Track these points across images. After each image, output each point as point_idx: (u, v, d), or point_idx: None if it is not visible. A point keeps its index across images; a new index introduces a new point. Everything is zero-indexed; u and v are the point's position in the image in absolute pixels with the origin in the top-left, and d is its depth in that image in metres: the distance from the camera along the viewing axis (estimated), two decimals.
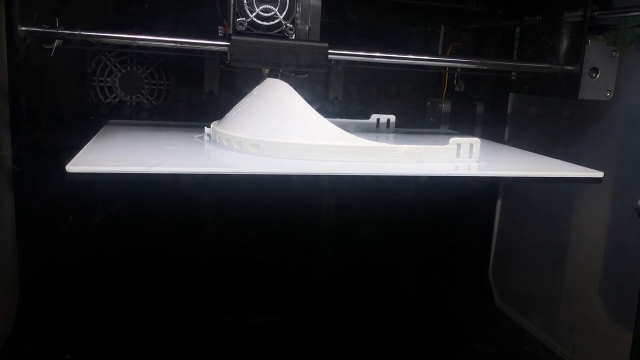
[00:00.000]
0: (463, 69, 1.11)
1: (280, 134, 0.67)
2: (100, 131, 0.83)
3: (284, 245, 1.01)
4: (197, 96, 1.11)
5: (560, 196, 1.03)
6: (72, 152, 1.02)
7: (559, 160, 0.82)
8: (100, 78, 1.03)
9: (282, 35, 0.76)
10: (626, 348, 0.88)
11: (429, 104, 1.20)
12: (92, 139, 0.76)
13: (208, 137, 0.76)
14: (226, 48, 0.75)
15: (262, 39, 0.75)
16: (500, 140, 1.20)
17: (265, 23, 0.76)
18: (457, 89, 1.17)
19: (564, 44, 0.90)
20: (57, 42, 0.77)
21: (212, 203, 0.98)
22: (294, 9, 0.76)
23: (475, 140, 0.70)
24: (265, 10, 0.75)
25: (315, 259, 1.01)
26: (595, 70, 0.87)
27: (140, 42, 0.76)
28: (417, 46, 1.16)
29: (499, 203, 1.22)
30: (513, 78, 1.01)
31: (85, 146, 0.69)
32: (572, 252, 1.02)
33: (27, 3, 0.76)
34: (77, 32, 0.76)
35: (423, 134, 1.04)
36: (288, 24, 0.76)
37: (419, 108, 1.22)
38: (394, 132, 0.98)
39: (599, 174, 0.71)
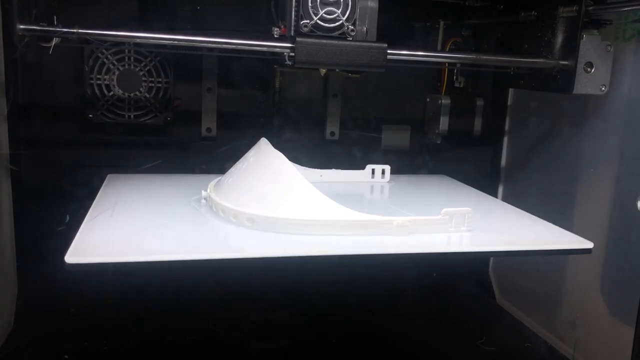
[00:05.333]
0: (462, 64, 1.10)
1: (275, 208, 0.69)
2: (99, 194, 0.84)
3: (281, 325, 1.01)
4: (196, 93, 1.11)
5: (561, 193, 1.03)
6: (70, 150, 1.06)
7: (550, 224, 0.82)
8: (98, 76, 1.02)
9: (343, 36, 0.80)
10: (628, 344, 0.89)
11: (428, 99, 1.20)
12: (90, 209, 0.76)
13: (204, 201, 0.79)
14: (288, 49, 0.78)
15: (325, 41, 0.78)
16: (499, 135, 1.20)
17: (327, 25, 0.79)
18: (456, 84, 1.16)
19: (559, 39, 0.90)
20: (55, 40, 0.77)
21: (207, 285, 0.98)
22: (354, 11, 0.79)
23: (467, 210, 0.71)
24: (329, 13, 0.78)
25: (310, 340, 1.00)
26: (590, 64, 0.88)
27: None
28: (416, 42, 1.15)
29: (499, 194, 1.22)
30: (511, 73, 1.01)
31: (83, 223, 0.70)
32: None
33: (25, 2, 0.76)
34: (74, 30, 0.76)
35: (418, 184, 1.05)
36: (350, 26, 0.80)
37: (419, 104, 1.22)
38: (389, 181, 1.00)
39: (589, 245, 0.73)
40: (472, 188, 1.00)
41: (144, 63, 1.04)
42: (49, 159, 1.06)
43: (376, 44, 0.80)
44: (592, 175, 0.97)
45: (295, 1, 0.78)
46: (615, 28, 0.89)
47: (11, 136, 0.97)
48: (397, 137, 1.22)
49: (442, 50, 1.12)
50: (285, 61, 0.80)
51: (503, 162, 1.20)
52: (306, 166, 1.19)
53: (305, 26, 0.78)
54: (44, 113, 1.04)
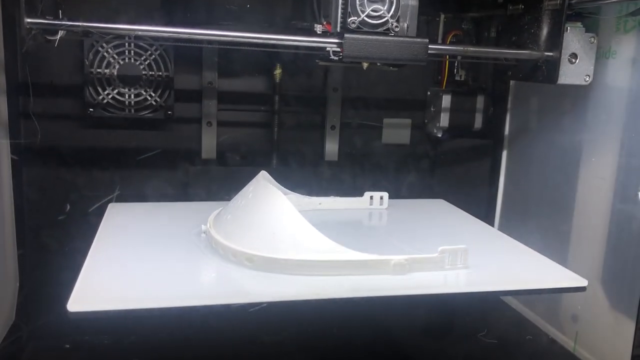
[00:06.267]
0: (452, 56, 1.12)
1: (273, 249, 0.70)
2: (100, 228, 0.84)
3: None
4: (196, 85, 1.11)
5: (562, 185, 1.03)
6: (70, 142, 1.06)
7: (545, 258, 0.82)
8: (98, 70, 1.02)
9: (387, 32, 0.84)
10: (629, 336, 0.89)
11: (429, 93, 1.20)
12: (92, 248, 0.76)
13: (204, 235, 0.80)
14: (335, 45, 0.82)
15: (371, 36, 0.83)
16: (500, 128, 1.19)
17: (373, 22, 0.83)
18: (457, 77, 1.16)
19: (544, 31, 0.93)
20: (60, 34, 0.79)
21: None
22: (398, 8, 0.84)
23: (463, 248, 0.72)
24: (375, 10, 0.82)
25: None
26: (574, 55, 0.90)
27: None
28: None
29: (499, 196, 1.22)
30: (505, 64, 1.03)
31: (84, 266, 0.70)
32: (574, 241, 1.01)
33: None
34: (79, 24, 0.77)
35: (415, 211, 1.04)
36: (394, 22, 0.84)
37: (420, 97, 1.22)
38: (387, 207, 1.01)
39: (583, 283, 0.73)
40: (469, 215, 1.01)
41: (144, 57, 1.04)
42: (49, 151, 1.06)
43: (418, 40, 0.85)
44: (593, 166, 0.97)
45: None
46: (617, 20, 0.90)
47: (11, 127, 0.98)
48: (397, 130, 1.22)
49: (443, 43, 1.12)
50: (330, 56, 0.84)
51: (504, 155, 1.20)
52: (307, 156, 1.19)
53: (353, 23, 0.82)
54: (44, 106, 1.04)
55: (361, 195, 1.01)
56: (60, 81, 1.05)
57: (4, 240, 0.97)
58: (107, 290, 0.63)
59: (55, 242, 1.08)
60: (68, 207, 1.07)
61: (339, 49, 0.82)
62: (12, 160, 0.98)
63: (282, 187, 0.91)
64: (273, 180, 0.89)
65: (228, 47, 0.95)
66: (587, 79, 0.92)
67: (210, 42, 0.95)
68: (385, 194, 1.01)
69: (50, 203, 1.07)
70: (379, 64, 0.87)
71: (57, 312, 1.01)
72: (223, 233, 0.75)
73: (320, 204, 0.98)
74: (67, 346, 0.92)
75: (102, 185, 1.10)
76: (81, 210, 1.09)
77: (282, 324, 0.95)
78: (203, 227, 0.81)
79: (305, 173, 1.16)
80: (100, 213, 1.06)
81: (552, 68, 0.91)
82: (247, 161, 1.16)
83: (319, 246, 0.70)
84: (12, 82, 0.97)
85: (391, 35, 0.84)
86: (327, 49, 0.83)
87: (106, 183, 1.10)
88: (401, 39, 0.84)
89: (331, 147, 1.19)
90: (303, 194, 0.97)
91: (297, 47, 0.88)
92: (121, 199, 1.10)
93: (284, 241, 0.71)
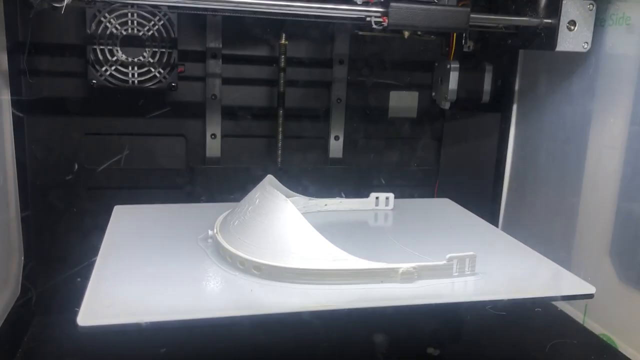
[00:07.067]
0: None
1: (281, 257, 0.70)
2: (106, 233, 0.84)
3: None
4: (200, 57, 1.09)
5: (571, 155, 1.02)
6: (73, 115, 1.04)
7: (552, 262, 0.81)
8: (101, 40, 1.00)
9: (430, 0, 0.89)
10: (637, 309, 0.88)
11: (436, 64, 1.18)
12: (99, 256, 0.76)
13: (211, 241, 0.80)
14: (379, 14, 0.85)
15: (416, 5, 0.86)
16: (509, 100, 1.18)
17: None
18: (465, 49, 1.14)
19: None
20: (67, 0, 0.79)
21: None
22: None
23: (472, 255, 0.72)
24: None
25: None
26: (573, 23, 0.92)
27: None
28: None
29: (507, 169, 1.21)
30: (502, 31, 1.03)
31: (92, 275, 0.70)
32: (582, 213, 1.00)
33: None
34: None
35: (421, 211, 1.05)
36: None
37: (427, 69, 1.20)
38: (392, 209, 1.02)
39: (591, 290, 0.73)
40: (474, 215, 1.01)
41: (147, 27, 1.02)
42: (52, 124, 1.05)
43: (461, 8, 0.90)
44: (602, 139, 0.96)
45: None
46: None
47: (14, 100, 0.96)
48: (404, 103, 1.20)
49: None
50: (372, 25, 0.86)
51: (512, 128, 1.19)
52: (311, 132, 1.17)
53: None
54: (46, 77, 1.03)
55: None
56: (62, 52, 1.03)
57: (8, 214, 0.95)
58: (116, 303, 0.63)
59: (60, 216, 1.07)
60: (76, 166, 1.06)
61: (381, 19, 0.84)
62: (16, 116, 0.96)
63: (288, 190, 0.91)
64: (279, 184, 0.89)
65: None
66: (586, 45, 0.94)
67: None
68: (391, 195, 1.02)
69: (56, 163, 1.05)
70: (419, 33, 0.91)
71: (64, 278, 1.02)
72: (230, 239, 0.76)
73: (325, 205, 0.99)
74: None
75: (110, 146, 1.09)
76: (89, 171, 1.08)
77: (289, 333, 0.95)
78: (210, 232, 0.81)
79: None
80: (108, 175, 1.07)
81: (550, 35, 0.93)
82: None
83: (327, 254, 0.70)
84: (13, 40, 0.95)
85: (437, 4, 0.87)
86: (368, 18, 0.85)
87: (114, 143, 1.09)
88: (445, 7, 0.88)
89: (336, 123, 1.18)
90: (308, 189, 0.98)
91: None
92: (129, 160, 1.10)
93: (291, 249, 0.71)
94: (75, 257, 1.01)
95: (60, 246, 1.06)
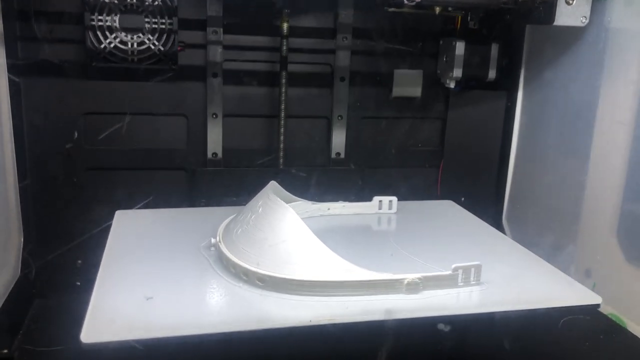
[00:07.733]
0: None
1: (285, 268, 0.70)
2: (107, 242, 0.83)
3: None
4: (201, 38, 1.07)
5: (579, 132, 1.00)
6: (71, 95, 1.03)
7: (557, 270, 0.81)
8: (100, 17, 0.98)
9: None
10: None
11: (441, 42, 1.16)
12: (100, 267, 0.75)
13: (214, 249, 0.79)
14: None
15: None
16: (515, 79, 1.16)
17: None
18: (471, 26, 1.12)
19: None
20: None
21: None
22: None
23: (477, 265, 0.72)
24: None
25: None
26: None
27: None
28: None
29: (513, 147, 1.19)
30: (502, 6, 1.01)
31: (95, 289, 0.69)
32: (589, 190, 0.99)
33: None
34: None
35: (424, 215, 1.04)
36: None
37: (432, 48, 1.18)
38: (395, 212, 1.01)
39: (598, 300, 0.73)
40: (476, 218, 1.01)
41: (147, 3, 1.00)
42: (50, 104, 1.03)
43: None
44: (612, 115, 0.94)
45: None
46: None
47: (11, 81, 0.95)
48: (408, 82, 1.18)
49: None
50: (404, 2, 0.87)
51: (518, 105, 1.17)
52: (315, 111, 1.16)
53: None
54: (44, 58, 1.00)
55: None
56: (59, 31, 1.01)
57: (7, 195, 0.94)
58: (119, 318, 0.63)
59: (59, 198, 1.06)
60: (76, 134, 1.05)
61: None
62: (12, 81, 0.94)
63: (290, 195, 0.91)
64: (282, 190, 0.88)
65: None
66: (584, 20, 0.94)
67: None
68: (394, 199, 1.01)
69: (55, 130, 1.03)
70: (450, 9, 0.90)
71: (65, 259, 1.01)
72: (233, 249, 0.75)
73: (328, 209, 0.99)
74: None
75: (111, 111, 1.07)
76: (90, 140, 1.06)
77: (294, 345, 0.95)
78: (212, 240, 0.80)
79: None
80: (111, 140, 1.05)
81: (548, 9, 0.93)
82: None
83: (332, 265, 0.70)
84: (8, 8, 0.93)
85: None
86: None
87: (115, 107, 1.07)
88: None
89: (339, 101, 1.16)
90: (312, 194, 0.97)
91: None
92: (130, 130, 1.08)
93: (295, 260, 0.70)
94: (77, 233, 1.01)
95: (61, 224, 1.05)
